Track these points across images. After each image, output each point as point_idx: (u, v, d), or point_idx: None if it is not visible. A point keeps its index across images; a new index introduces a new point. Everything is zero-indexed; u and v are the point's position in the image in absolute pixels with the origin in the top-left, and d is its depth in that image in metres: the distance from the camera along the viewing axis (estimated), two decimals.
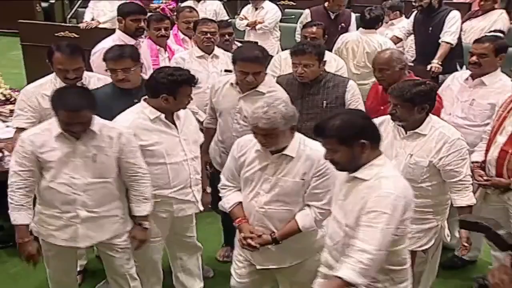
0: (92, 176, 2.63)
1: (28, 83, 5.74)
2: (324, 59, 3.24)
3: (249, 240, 2.52)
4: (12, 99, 4.47)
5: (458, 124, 3.16)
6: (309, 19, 4.98)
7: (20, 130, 2.99)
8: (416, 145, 2.69)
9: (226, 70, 3.75)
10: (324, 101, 3.19)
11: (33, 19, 7.50)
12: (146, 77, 3.11)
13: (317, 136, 2.22)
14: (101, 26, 6.00)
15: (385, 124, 2.77)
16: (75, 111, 2.50)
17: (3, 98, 4.49)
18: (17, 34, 6.26)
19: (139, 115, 2.79)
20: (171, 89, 2.72)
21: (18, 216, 2.58)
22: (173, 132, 2.83)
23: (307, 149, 2.47)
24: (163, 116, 2.79)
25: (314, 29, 3.95)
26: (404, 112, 2.65)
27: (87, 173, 2.62)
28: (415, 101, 2.61)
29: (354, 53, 4.53)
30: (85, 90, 2.83)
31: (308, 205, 2.53)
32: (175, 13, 5.13)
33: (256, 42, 4.76)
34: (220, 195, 2.71)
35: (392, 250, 2.10)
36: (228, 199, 2.66)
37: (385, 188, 2.06)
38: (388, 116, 2.74)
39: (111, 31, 4.37)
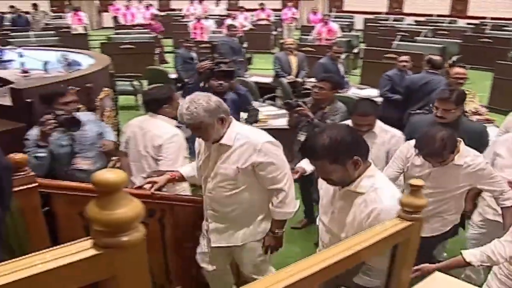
0: None
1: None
2: None
3: None
4: (480, 112, 5.22)
5: None
6: None
7: None
8: None
9: None
10: None
11: (506, 60, 9.33)
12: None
13: (307, 158, 2.09)
14: None
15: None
16: (362, 116, 3.28)
17: (474, 111, 5.13)
18: (491, 70, 8.75)
19: None
20: None
21: None
22: None
23: (242, 138, 2.48)
24: None
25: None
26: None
27: None
28: None
29: None
30: (374, 102, 3.45)
31: (271, 190, 2.56)
32: None
33: None
34: None
35: None
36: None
37: (385, 201, 1.93)
38: None
39: None
